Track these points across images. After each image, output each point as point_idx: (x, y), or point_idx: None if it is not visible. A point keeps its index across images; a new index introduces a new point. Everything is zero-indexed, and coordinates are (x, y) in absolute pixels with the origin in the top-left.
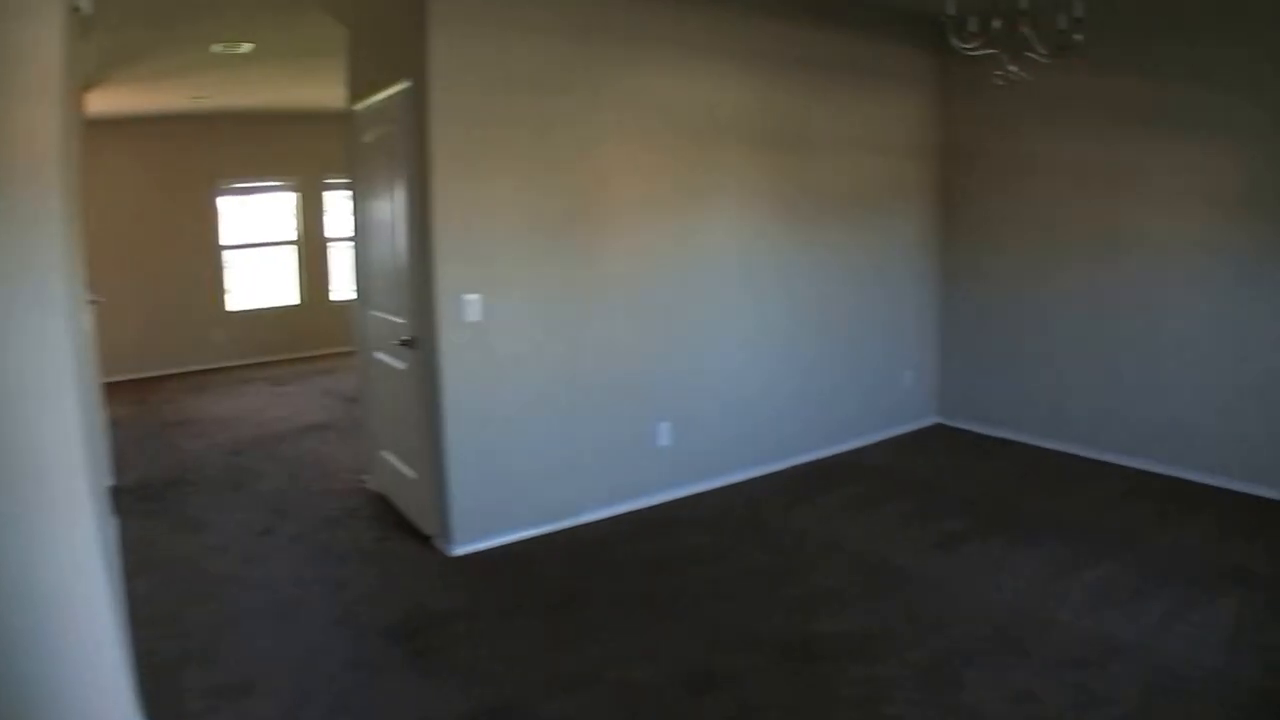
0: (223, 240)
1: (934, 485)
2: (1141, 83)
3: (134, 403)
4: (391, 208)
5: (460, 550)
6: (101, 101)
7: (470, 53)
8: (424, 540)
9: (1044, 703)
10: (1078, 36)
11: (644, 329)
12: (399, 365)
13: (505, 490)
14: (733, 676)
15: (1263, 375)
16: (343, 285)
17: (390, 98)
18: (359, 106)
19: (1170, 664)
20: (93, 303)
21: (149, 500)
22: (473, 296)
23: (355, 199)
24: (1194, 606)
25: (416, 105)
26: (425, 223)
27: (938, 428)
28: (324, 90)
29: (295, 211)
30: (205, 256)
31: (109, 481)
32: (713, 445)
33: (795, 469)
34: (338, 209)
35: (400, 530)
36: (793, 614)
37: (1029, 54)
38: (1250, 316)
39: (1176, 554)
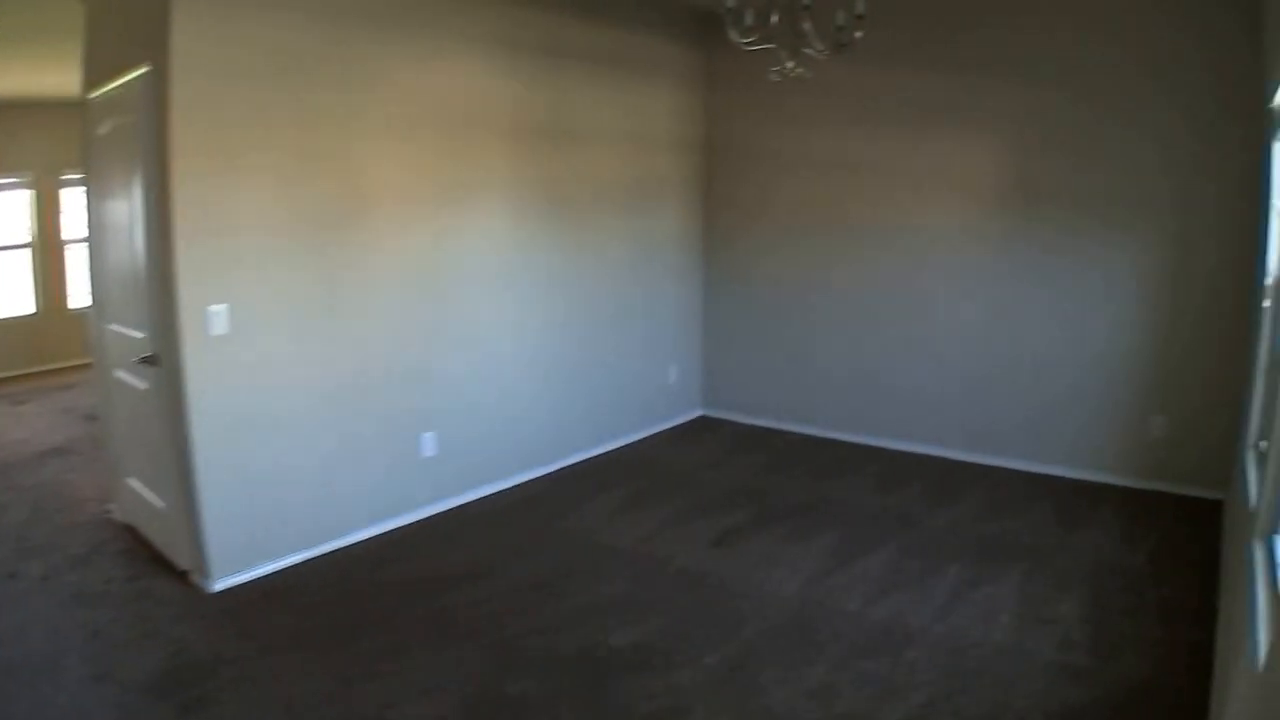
0: None
1: (705, 480)
2: (906, 77)
3: None
4: (129, 209)
5: (221, 585)
6: None
7: (217, 35)
8: (180, 576)
9: (844, 696)
10: (858, 33)
11: (406, 336)
12: (140, 385)
13: (265, 516)
14: (526, 702)
15: (1021, 357)
16: (83, 291)
17: (128, 84)
18: (94, 94)
19: (963, 645)
20: None
21: None
22: (219, 307)
23: (89, 198)
24: (978, 585)
25: (156, 93)
26: (165, 226)
27: (702, 420)
28: (62, 76)
29: (30, 211)
30: None
31: None
32: (481, 452)
33: (566, 470)
34: (77, 208)
35: (154, 566)
36: (581, 626)
37: (807, 50)
38: (1007, 302)
39: (953, 533)
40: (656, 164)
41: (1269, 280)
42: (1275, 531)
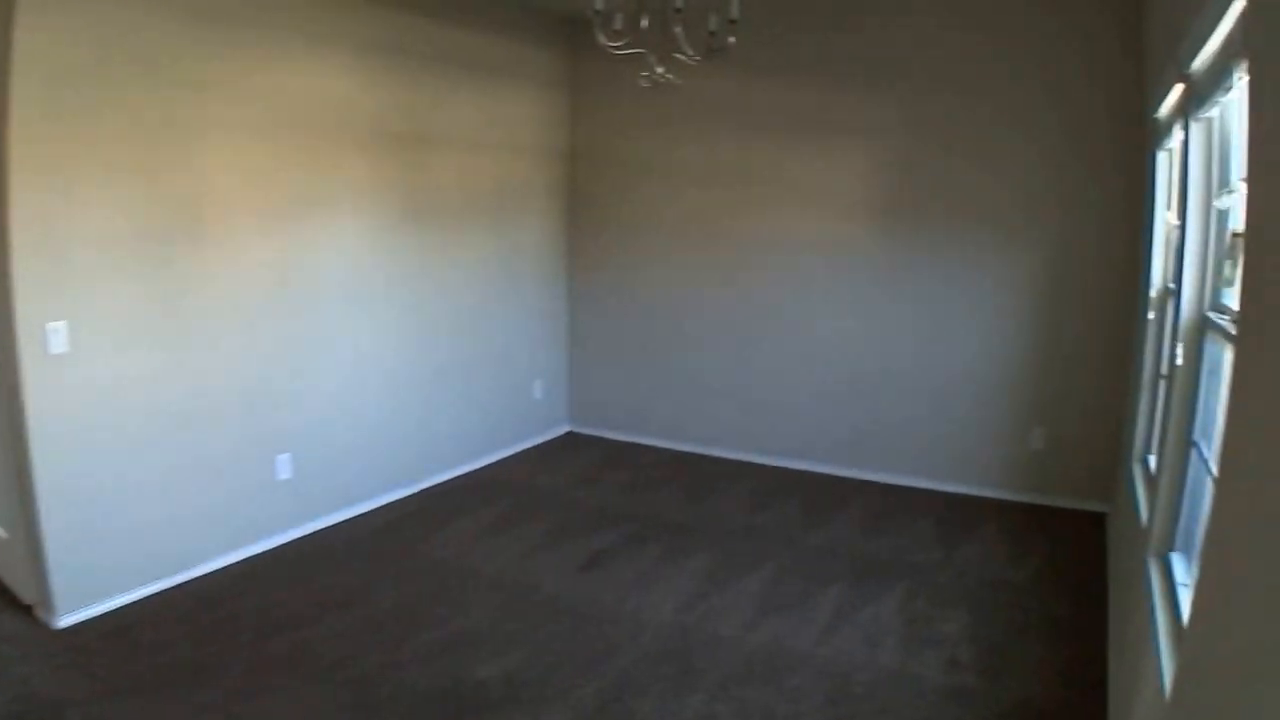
0: None
1: (574, 499)
2: (782, 85)
3: None
4: None
5: (67, 620)
6: None
7: (65, 33)
8: (24, 611)
9: None
10: (731, 39)
11: (259, 352)
12: None
13: (113, 545)
14: None
15: (899, 370)
16: None
17: None
18: None
19: (848, 670)
20: None
21: None
22: (58, 324)
23: None
24: (860, 605)
25: None
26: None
27: (570, 436)
28: None
29: None
30: None
31: None
32: (341, 473)
33: (431, 491)
34: None
35: None
36: (447, 659)
37: (678, 55)
38: (885, 315)
39: (832, 551)
40: (521, 171)
41: (1153, 293)
42: (1171, 549)
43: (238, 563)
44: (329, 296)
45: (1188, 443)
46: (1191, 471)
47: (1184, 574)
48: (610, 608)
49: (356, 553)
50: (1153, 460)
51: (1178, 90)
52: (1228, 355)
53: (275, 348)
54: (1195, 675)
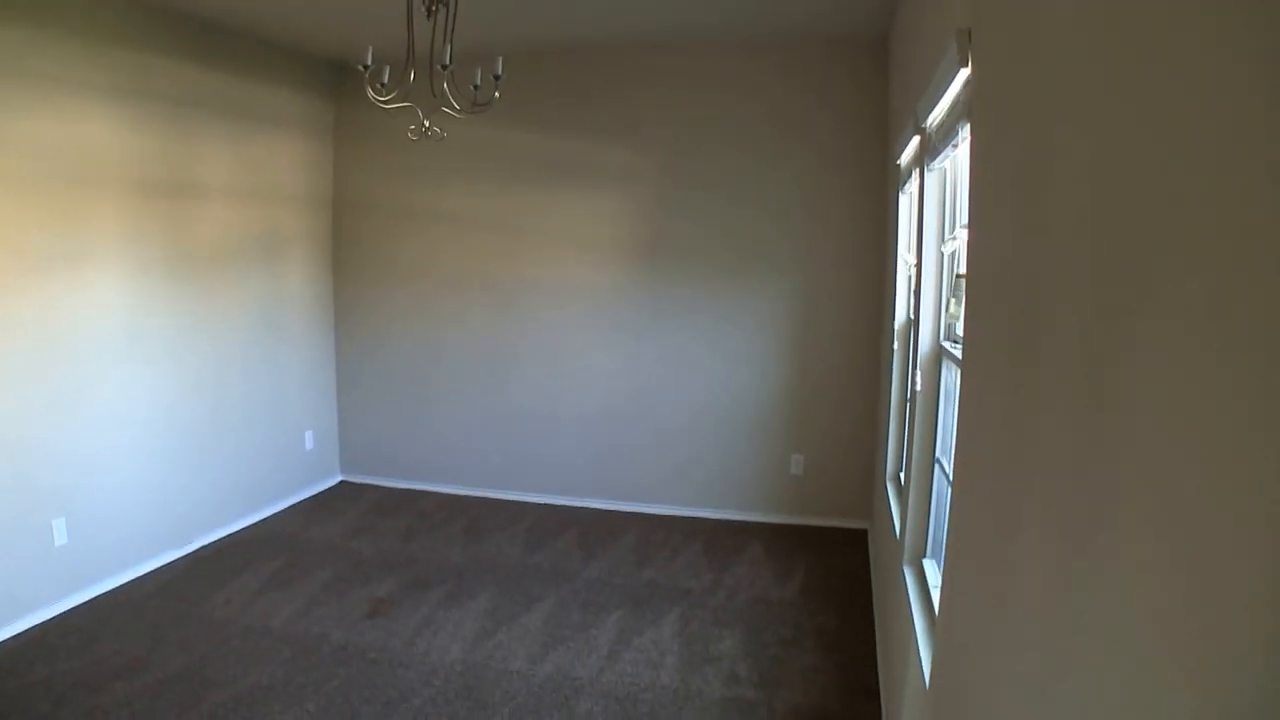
0: None
1: (352, 549)
2: (547, 137)
3: None
4: None
5: None
6: None
7: None
8: None
9: None
10: (496, 94)
11: (24, 414)
12: None
13: None
14: None
15: (663, 405)
16: None
17: None
18: None
19: (634, 692)
20: None
21: None
22: None
23: None
24: (639, 631)
25: None
26: None
27: (343, 486)
28: None
29: None
30: None
31: None
32: (118, 534)
33: (208, 549)
34: None
35: None
36: (240, 715)
37: (445, 109)
38: (648, 353)
39: (608, 583)
40: (285, 219)
41: (896, 325)
42: (924, 556)
43: (20, 634)
44: (97, 353)
45: (932, 459)
46: (936, 485)
47: (937, 578)
48: (399, 652)
49: (139, 616)
50: (904, 478)
51: (915, 141)
52: (957, 378)
53: (42, 408)
54: (946, 661)
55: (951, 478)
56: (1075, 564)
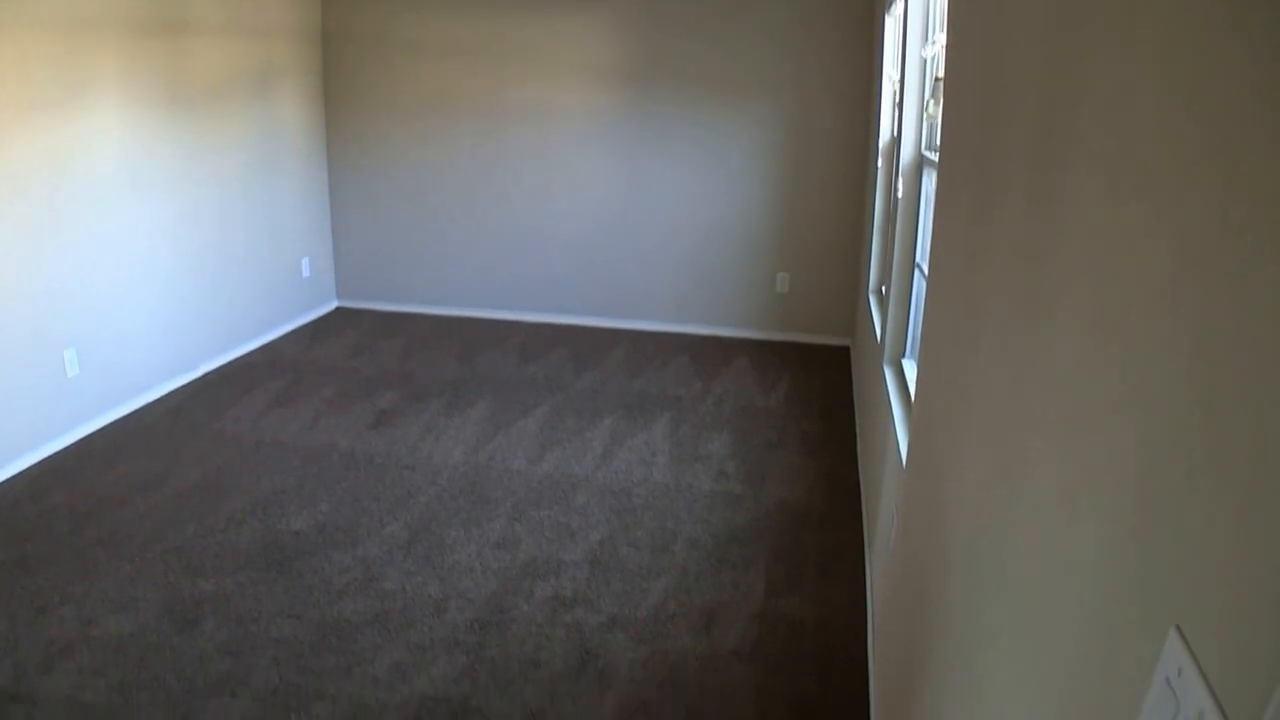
0: None
1: (350, 367)
2: None
3: None
4: None
5: None
6: None
7: None
8: None
9: (527, 543)
10: None
11: (33, 250)
12: None
13: None
14: (224, 595)
15: (652, 225)
16: None
17: None
18: None
19: (628, 487)
20: None
21: None
22: None
23: None
24: (632, 434)
25: None
26: None
27: (340, 311)
28: None
29: None
30: None
31: None
32: (126, 364)
33: (211, 374)
34: None
35: None
36: (258, 518)
37: None
38: (638, 175)
39: (600, 392)
40: (276, 53)
41: (881, 144)
42: (903, 356)
43: (38, 463)
44: (100, 190)
45: (912, 265)
46: (916, 289)
47: (914, 374)
48: (404, 457)
49: (154, 437)
50: (885, 289)
51: None
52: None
53: (50, 242)
54: (920, 442)
55: (927, 276)
56: (1026, 343)
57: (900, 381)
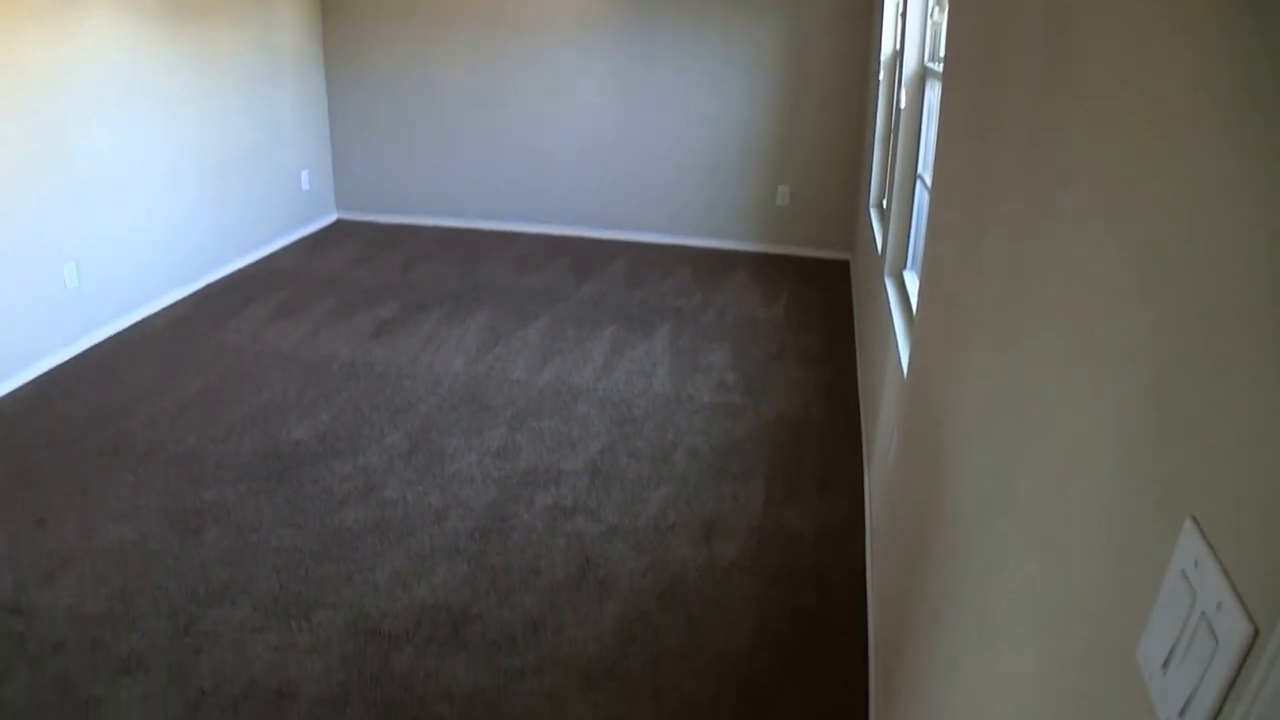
0: None
1: (352, 279)
2: None
3: None
4: None
5: None
6: None
7: None
8: None
9: (527, 452)
10: None
11: (27, 162)
12: None
13: None
14: (224, 504)
15: (652, 137)
16: None
17: None
18: None
19: (628, 397)
20: None
21: None
22: None
23: None
24: (632, 344)
25: None
26: None
27: (339, 223)
28: None
29: None
30: None
31: None
32: (126, 276)
33: (213, 286)
34: None
35: None
36: (260, 427)
37: None
38: (637, 86)
39: (600, 302)
40: None
41: (884, 57)
42: (904, 268)
43: (40, 375)
44: (98, 101)
45: (914, 176)
46: (917, 201)
47: (915, 286)
48: (405, 367)
49: (155, 348)
50: (886, 202)
51: None
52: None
53: (47, 156)
54: (921, 353)
55: (930, 187)
56: (1035, 246)
57: (902, 293)
